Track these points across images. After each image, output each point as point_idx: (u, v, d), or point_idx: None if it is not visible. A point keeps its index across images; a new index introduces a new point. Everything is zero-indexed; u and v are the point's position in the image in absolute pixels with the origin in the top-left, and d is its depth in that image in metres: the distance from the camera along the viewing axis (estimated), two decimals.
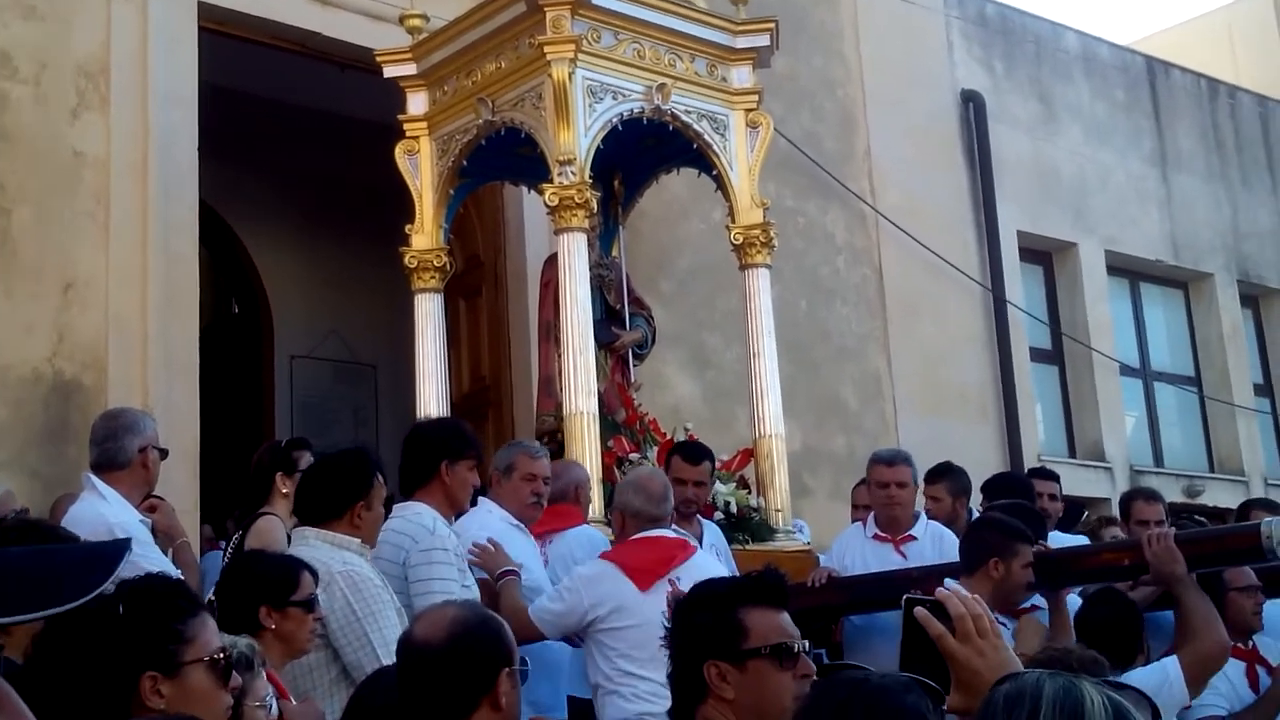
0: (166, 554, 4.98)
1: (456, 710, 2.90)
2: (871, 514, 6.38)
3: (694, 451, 6.20)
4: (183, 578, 4.15)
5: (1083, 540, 6.72)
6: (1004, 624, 5.12)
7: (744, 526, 6.68)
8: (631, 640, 4.86)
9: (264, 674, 3.36)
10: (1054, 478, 7.42)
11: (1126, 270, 13.59)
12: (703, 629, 2.93)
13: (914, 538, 5.94)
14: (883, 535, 6.07)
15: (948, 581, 4.76)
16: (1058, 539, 6.26)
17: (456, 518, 5.07)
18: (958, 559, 5.35)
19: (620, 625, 4.91)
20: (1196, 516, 7.20)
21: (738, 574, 5.43)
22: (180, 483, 6.88)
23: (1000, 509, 6.47)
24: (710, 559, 5.35)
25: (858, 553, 6.13)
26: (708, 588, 3.17)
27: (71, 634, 2.71)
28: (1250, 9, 17.61)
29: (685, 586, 4.78)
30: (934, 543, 6.00)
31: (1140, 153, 13.82)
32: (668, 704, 4.60)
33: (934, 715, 2.25)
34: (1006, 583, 5.03)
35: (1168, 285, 14.10)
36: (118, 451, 4.92)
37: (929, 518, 6.25)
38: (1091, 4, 36.62)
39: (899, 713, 2.19)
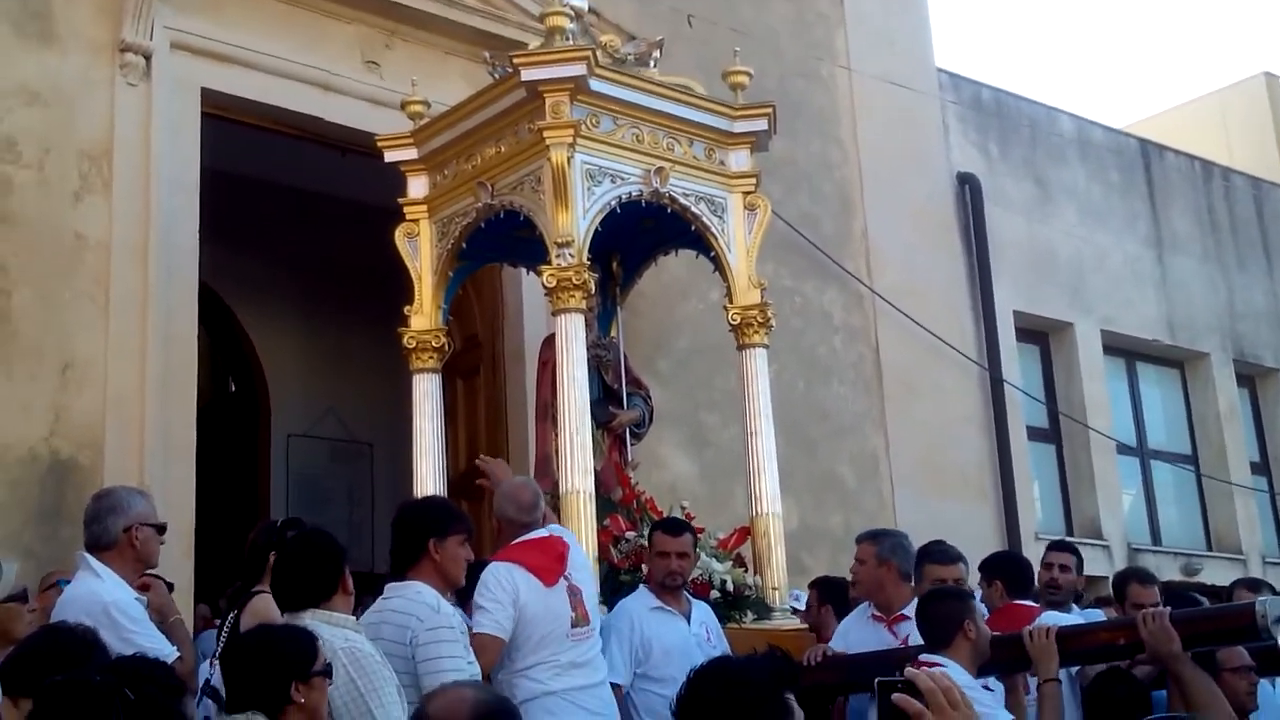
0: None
1: None
2: None
3: (674, 525, 6.26)
4: (180, 655, 4.13)
5: (1079, 618, 6.67)
6: (990, 689, 5.10)
7: (741, 604, 6.66)
8: (541, 630, 5.31)
9: None
10: (1071, 550, 7.28)
11: (1123, 350, 13.66)
12: (755, 708, 2.93)
13: (906, 617, 5.91)
14: (878, 615, 6.05)
15: (923, 657, 4.78)
16: (1053, 617, 6.20)
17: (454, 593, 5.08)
18: None
19: (532, 618, 5.30)
20: (1193, 595, 7.09)
21: (730, 653, 5.47)
22: (175, 561, 6.85)
23: (989, 565, 6.50)
24: (581, 555, 5.76)
25: (858, 634, 6.11)
26: (745, 671, 3.14)
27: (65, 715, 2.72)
28: (1244, 92, 17.82)
29: (575, 583, 5.40)
30: None
31: (1136, 234, 13.93)
32: (567, 684, 5.22)
33: None
34: (979, 641, 5.04)
35: (1164, 365, 14.17)
36: (102, 533, 4.97)
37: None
38: (1086, 88, 37.12)
39: None
